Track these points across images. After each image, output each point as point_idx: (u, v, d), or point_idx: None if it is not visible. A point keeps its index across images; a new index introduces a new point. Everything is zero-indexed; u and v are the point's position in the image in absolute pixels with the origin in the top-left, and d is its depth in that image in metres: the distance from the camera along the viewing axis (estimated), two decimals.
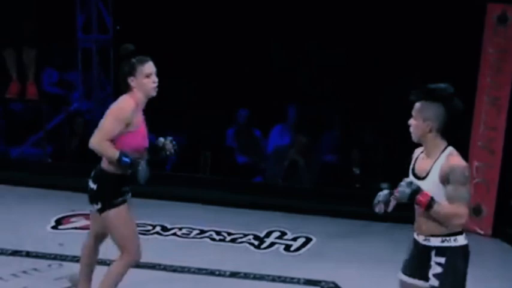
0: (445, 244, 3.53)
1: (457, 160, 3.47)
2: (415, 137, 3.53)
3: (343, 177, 7.65)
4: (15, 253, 5.59)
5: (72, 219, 6.42)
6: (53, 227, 6.25)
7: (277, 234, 6.31)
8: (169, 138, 4.45)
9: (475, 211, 6.63)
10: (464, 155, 6.53)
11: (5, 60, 7.92)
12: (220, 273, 5.37)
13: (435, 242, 3.56)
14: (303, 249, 6.06)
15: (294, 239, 6.23)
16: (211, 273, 5.39)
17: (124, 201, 4.27)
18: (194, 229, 6.31)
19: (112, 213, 4.23)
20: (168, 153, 4.42)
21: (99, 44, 8.51)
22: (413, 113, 3.49)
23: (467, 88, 6.60)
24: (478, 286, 5.31)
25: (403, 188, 3.46)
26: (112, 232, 4.31)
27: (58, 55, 9.16)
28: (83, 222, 6.35)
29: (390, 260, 5.72)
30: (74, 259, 5.49)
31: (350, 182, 7.65)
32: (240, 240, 6.16)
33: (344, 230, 6.58)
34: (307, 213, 6.83)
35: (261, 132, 8.46)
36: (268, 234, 6.27)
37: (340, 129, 8.26)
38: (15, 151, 8.10)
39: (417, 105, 3.47)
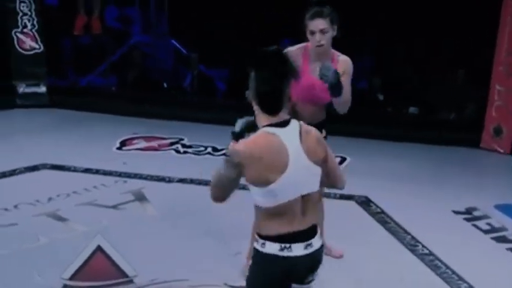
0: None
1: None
2: None
3: (371, 103, 7.60)
4: (86, 170, 5.76)
5: (134, 141, 6.55)
6: (118, 148, 6.39)
7: None
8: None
9: (496, 131, 6.61)
10: (487, 80, 6.55)
11: None
12: None
13: None
14: None
15: None
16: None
17: None
18: None
19: None
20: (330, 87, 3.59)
21: None
22: None
23: (492, 17, 6.48)
24: (494, 199, 5.39)
25: None
26: None
27: None
28: (144, 144, 6.50)
29: (423, 178, 5.81)
30: (136, 176, 5.66)
31: (377, 107, 7.60)
32: None
33: (376, 150, 6.59)
34: (342, 135, 6.85)
35: None
36: None
37: (370, 58, 8.14)
38: (83, 80, 8.22)
39: None
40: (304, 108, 3.82)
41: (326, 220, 4.47)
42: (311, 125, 3.42)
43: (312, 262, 2.68)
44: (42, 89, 7.79)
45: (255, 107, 2.59)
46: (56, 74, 8.08)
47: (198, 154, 6.26)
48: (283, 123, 2.56)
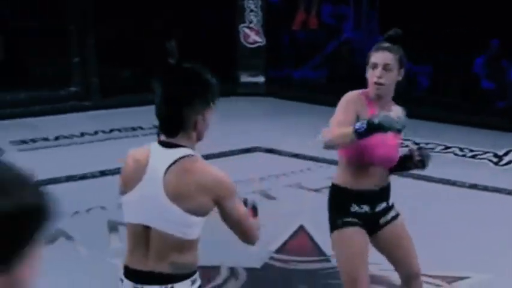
0: None
1: None
2: None
3: None
4: (295, 155, 5.99)
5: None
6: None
7: None
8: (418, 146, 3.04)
9: None
10: None
11: None
12: (461, 185, 5.33)
13: None
14: None
15: None
16: (453, 183, 5.37)
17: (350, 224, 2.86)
18: (439, 145, 6.28)
19: (333, 236, 2.92)
20: (414, 165, 2.89)
21: None
22: None
23: None
24: None
25: None
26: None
27: None
28: None
29: None
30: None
31: None
32: (480, 156, 6.03)
33: None
34: None
35: (508, 63, 7.99)
36: (506, 153, 6.05)
37: None
38: (297, 72, 8.49)
39: None
40: (374, 168, 2.86)
41: None
42: (379, 190, 2.83)
43: None
44: (261, 79, 8.17)
45: None
46: (274, 66, 8.43)
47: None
48: (168, 145, 2.11)
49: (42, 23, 7.25)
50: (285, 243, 4.31)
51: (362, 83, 3.27)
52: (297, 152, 6.02)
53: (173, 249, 2.11)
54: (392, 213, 2.97)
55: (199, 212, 2.08)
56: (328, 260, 4.18)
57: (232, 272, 3.97)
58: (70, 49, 7.20)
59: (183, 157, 2.08)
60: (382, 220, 2.95)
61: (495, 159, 5.95)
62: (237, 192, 2.15)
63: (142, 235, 2.13)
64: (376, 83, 2.83)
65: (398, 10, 8.16)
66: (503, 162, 5.91)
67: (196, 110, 2.10)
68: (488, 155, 6.01)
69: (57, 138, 6.44)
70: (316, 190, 5.25)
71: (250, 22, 8.19)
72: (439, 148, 6.22)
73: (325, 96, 7.62)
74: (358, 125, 2.64)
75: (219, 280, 3.90)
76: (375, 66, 2.82)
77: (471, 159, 6.00)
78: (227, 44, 8.20)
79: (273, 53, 8.35)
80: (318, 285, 3.97)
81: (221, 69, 8.16)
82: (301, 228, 4.42)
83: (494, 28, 7.75)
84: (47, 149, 6.18)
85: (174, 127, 2.11)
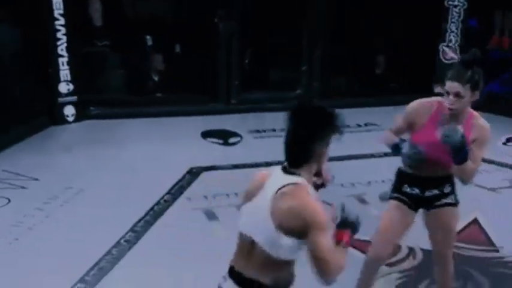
0: None
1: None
2: None
3: None
4: None
5: None
6: (503, 143, 6.30)
7: None
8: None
9: None
10: None
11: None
12: None
13: None
14: None
15: None
16: None
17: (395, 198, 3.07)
18: None
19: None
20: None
21: None
22: None
23: None
24: None
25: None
26: None
27: None
28: None
29: None
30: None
31: None
32: None
33: None
34: None
35: None
36: None
37: None
38: (485, 88, 8.18)
39: None
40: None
41: None
42: (431, 179, 2.89)
43: None
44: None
45: None
46: None
47: None
48: (287, 171, 2.10)
49: (283, 40, 7.80)
50: (458, 232, 4.26)
51: None
52: None
53: (271, 265, 2.06)
54: (447, 200, 3.01)
55: (290, 234, 2.02)
56: (497, 251, 4.11)
57: (411, 251, 4.03)
58: (301, 60, 7.68)
59: (292, 183, 2.06)
60: (435, 202, 3.00)
61: None
62: (327, 228, 2.02)
63: (249, 244, 2.11)
64: (448, 108, 2.83)
65: None
66: None
67: (323, 144, 2.09)
68: None
69: (282, 130, 6.92)
70: (492, 189, 5.08)
71: (450, 41, 8.08)
72: None
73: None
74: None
75: (399, 256, 3.96)
76: (447, 93, 2.82)
77: None
78: (426, 59, 8.17)
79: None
80: (488, 272, 3.90)
81: (419, 81, 8.16)
82: (475, 220, 4.36)
83: None
84: (273, 138, 6.70)
85: (299, 162, 2.09)
